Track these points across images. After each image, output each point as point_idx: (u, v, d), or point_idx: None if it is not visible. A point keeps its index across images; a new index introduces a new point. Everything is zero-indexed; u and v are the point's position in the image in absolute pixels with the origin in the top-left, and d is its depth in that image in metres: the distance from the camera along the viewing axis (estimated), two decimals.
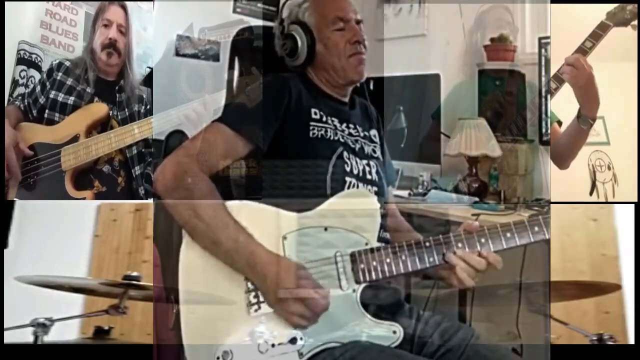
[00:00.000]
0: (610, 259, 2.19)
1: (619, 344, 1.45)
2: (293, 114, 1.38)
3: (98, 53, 1.93)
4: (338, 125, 1.43)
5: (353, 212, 1.28)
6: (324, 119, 1.41)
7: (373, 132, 1.53)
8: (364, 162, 1.42)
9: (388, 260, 1.25)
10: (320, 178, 1.34)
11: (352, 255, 1.25)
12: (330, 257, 1.25)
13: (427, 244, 1.25)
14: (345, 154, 1.39)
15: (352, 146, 1.42)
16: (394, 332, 1.24)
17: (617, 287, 1.71)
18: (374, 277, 1.25)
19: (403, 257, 1.25)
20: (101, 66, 1.94)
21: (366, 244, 1.26)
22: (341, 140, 1.40)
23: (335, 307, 1.23)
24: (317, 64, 1.48)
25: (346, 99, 1.50)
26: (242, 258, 1.22)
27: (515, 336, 2.02)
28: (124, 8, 1.96)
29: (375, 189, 1.40)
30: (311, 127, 1.38)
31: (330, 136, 1.39)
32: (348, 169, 1.37)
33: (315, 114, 1.40)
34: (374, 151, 1.48)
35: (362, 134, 1.47)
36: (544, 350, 1.59)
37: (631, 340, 1.89)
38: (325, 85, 1.48)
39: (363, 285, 1.25)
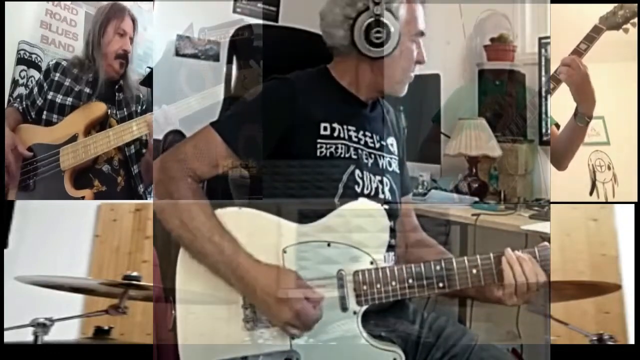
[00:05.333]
0: (610, 259, 2.18)
1: (619, 344, 1.45)
2: (298, 129, 1.27)
3: (110, 60, 1.93)
4: (354, 134, 1.32)
5: (359, 227, 1.22)
6: (336, 132, 1.30)
7: (391, 140, 1.42)
8: (377, 178, 1.33)
9: (394, 283, 1.19)
10: (327, 200, 1.26)
11: (356, 274, 1.20)
12: (332, 276, 1.20)
13: (438, 267, 1.20)
14: (357, 172, 1.30)
15: (365, 161, 1.32)
16: (394, 359, 1.20)
17: (617, 287, 1.70)
18: (376, 299, 1.20)
19: (410, 281, 1.19)
20: (109, 72, 1.95)
21: (371, 262, 1.21)
22: (353, 156, 1.30)
23: (334, 329, 1.19)
24: (364, 62, 1.33)
25: (368, 101, 1.39)
26: (229, 270, 1.18)
27: (515, 336, 2.02)
28: (134, 21, 1.99)
29: (386, 207, 1.29)
30: (319, 145, 1.28)
31: (341, 153, 1.29)
32: (359, 189, 1.29)
33: (325, 129, 1.29)
34: (390, 164, 1.39)
35: (377, 145, 1.37)
36: (544, 350, 1.59)
37: (631, 340, 1.88)
38: (351, 85, 1.36)
39: (365, 307, 1.20)
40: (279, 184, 1.29)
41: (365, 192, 1.30)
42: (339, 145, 1.30)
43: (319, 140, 1.28)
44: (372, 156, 1.35)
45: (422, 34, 1.36)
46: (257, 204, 1.26)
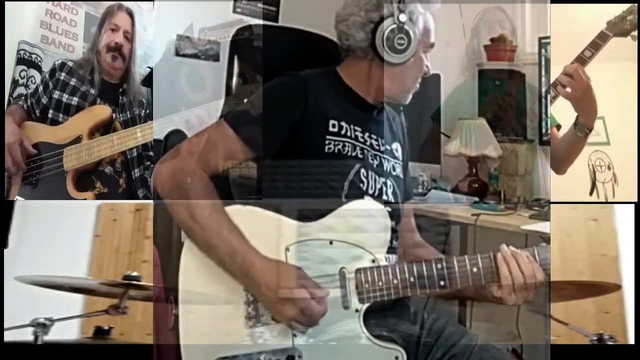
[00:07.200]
0: (610, 259, 2.18)
1: (619, 344, 1.45)
2: (308, 125, 1.28)
3: (103, 55, 1.95)
4: (360, 135, 1.34)
5: (361, 226, 1.23)
6: (343, 131, 1.31)
7: (395, 145, 1.44)
8: (382, 180, 1.34)
9: (395, 281, 1.20)
10: (333, 200, 1.26)
11: (357, 272, 1.21)
12: (335, 274, 1.20)
13: (439, 265, 1.20)
14: (362, 171, 1.31)
15: (371, 162, 1.34)
16: (396, 357, 1.19)
17: (617, 287, 1.70)
18: (378, 297, 1.20)
19: (412, 279, 1.20)
20: (105, 68, 1.96)
21: (373, 260, 1.22)
22: (359, 155, 1.32)
23: (336, 327, 1.20)
24: (377, 67, 1.35)
25: (375, 105, 1.40)
26: (236, 264, 1.18)
27: (515, 336, 2.02)
28: (131, 15, 1.99)
29: (389, 209, 1.29)
30: (327, 142, 1.29)
31: (347, 151, 1.30)
32: (364, 188, 1.30)
33: (334, 126, 1.30)
34: (394, 168, 1.40)
35: (382, 148, 1.38)
36: (544, 350, 1.59)
37: (631, 340, 1.88)
38: (360, 88, 1.38)
39: (366, 305, 1.20)
40: (280, 183, 1.30)
41: (370, 191, 1.31)
42: (346, 144, 1.31)
43: (327, 137, 1.29)
44: (377, 158, 1.36)
45: (432, 46, 1.39)
46: (261, 203, 1.27)
